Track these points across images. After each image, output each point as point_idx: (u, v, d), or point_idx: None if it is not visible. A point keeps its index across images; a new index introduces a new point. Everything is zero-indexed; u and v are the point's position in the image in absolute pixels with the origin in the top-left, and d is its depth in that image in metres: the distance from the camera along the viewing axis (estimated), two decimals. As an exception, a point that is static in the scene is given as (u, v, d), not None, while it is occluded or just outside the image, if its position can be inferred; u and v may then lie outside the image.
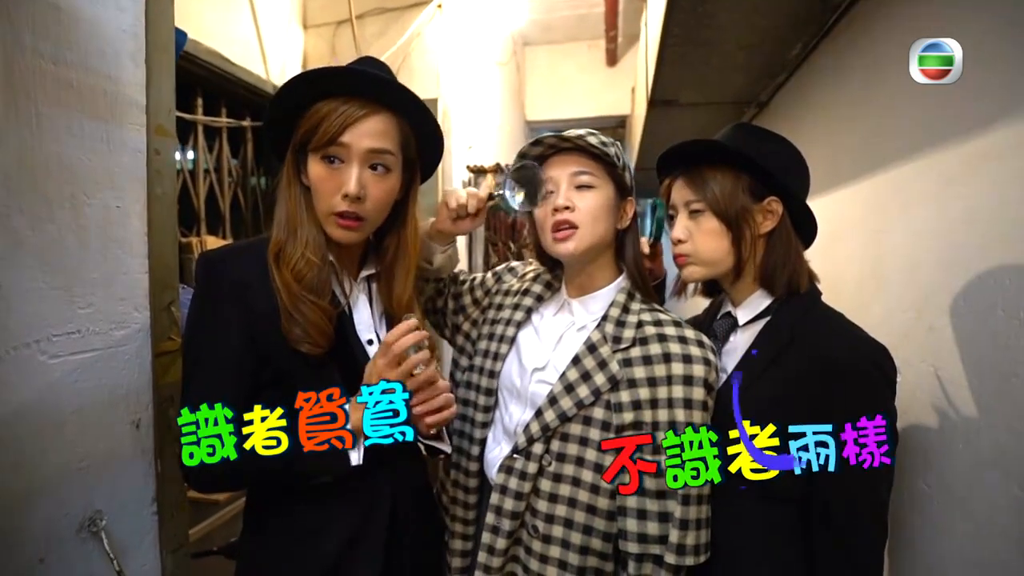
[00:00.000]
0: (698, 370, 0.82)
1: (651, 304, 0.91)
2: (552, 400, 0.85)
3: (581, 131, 0.90)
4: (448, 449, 0.91)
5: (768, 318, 0.89)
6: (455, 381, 1.03)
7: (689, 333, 0.86)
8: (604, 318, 0.88)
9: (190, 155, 2.21)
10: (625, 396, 0.82)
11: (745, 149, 0.88)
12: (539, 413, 0.86)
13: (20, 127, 0.68)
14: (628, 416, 0.81)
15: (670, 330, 0.86)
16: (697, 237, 0.90)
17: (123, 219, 0.83)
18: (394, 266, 0.87)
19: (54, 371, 0.73)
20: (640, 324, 0.86)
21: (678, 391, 0.81)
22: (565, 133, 0.88)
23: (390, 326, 0.88)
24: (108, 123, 0.80)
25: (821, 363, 0.81)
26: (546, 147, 0.90)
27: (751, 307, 0.91)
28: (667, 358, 0.82)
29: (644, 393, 0.81)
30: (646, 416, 0.81)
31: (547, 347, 0.92)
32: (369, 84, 0.79)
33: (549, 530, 0.84)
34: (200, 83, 2.17)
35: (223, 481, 0.79)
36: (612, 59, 4.39)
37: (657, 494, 0.80)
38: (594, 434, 0.83)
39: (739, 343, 0.92)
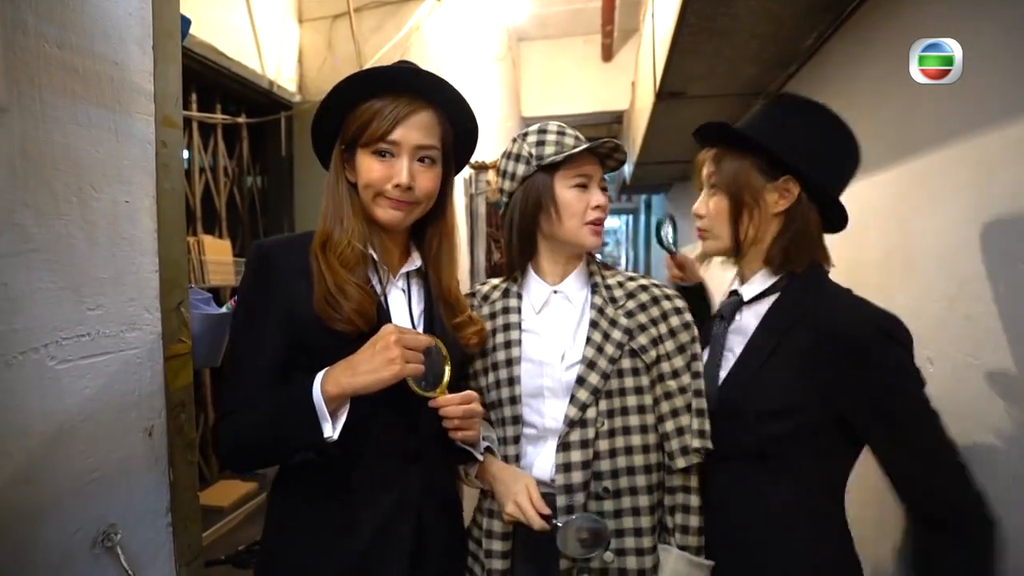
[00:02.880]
0: (678, 302, 0.99)
1: (610, 269, 1.05)
2: (590, 364, 0.92)
3: (618, 143, 0.99)
4: (480, 456, 0.93)
5: (775, 296, 0.89)
6: None
7: (654, 281, 1.03)
8: (595, 286, 1.00)
9: (184, 152, 2.15)
10: (643, 339, 0.95)
11: (762, 128, 0.88)
12: (582, 381, 0.92)
13: (24, 114, 0.63)
14: (652, 353, 0.95)
15: (643, 282, 1.02)
16: (712, 212, 0.93)
17: (132, 215, 0.78)
18: (440, 257, 0.94)
19: (63, 376, 0.68)
20: (620, 284, 1.01)
21: (675, 321, 0.96)
22: (607, 144, 0.97)
23: (428, 325, 0.91)
24: (115, 112, 0.75)
25: (827, 339, 0.81)
26: (597, 147, 0.96)
27: (755, 285, 0.92)
28: (655, 301, 0.98)
29: (654, 331, 0.96)
30: (662, 349, 0.95)
31: (556, 337, 0.97)
32: (418, 82, 0.85)
33: (617, 484, 0.90)
34: (194, 77, 2.10)
35: (244, 448, 0.83)
36: (608, 54, 4.37)
37: (687, 408, 0.93)
38: (628, 382, 0.93)
39: (745, 322, 0.93)
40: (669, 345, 0.95)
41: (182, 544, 0.92)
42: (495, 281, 1.08)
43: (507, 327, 0.99)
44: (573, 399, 0.91)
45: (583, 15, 4.07)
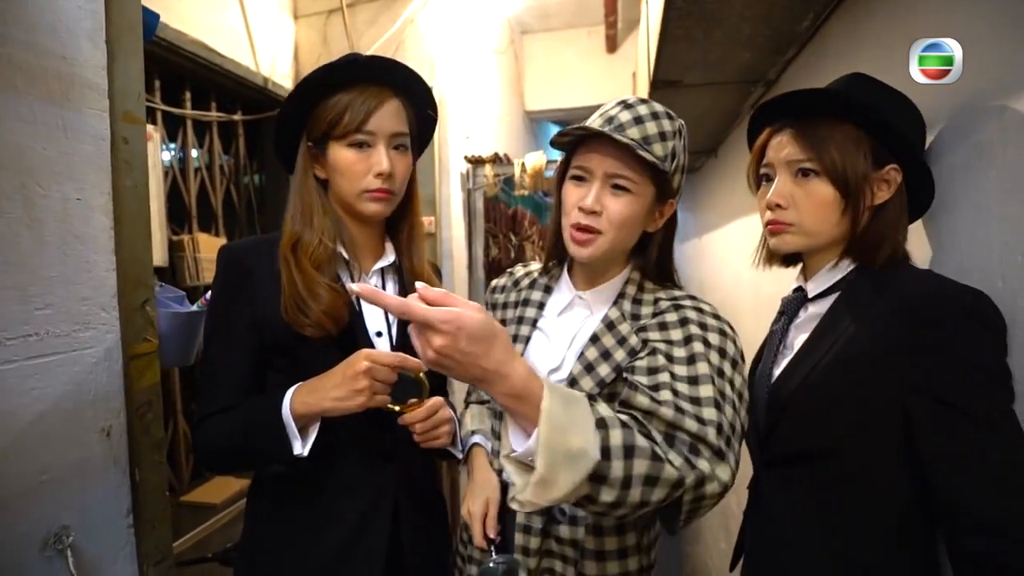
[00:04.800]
0: (713, 338, 0.74)
1: (664, 284, 0.85)
2: (571, 382, 0.80)
3: (641, 109, 0.77)
4: (459, 455, 0.91)
5: (840, 292, 0.79)
6: (469, 403, 1.04)
7: (705, 306, 0.81)
8: (620, 295, 0.83)
9: (180, 150, 2.15)
10: (642, 362, 0.73)
11: (873, 106, 0.76)
12: None
13: (-40, 111, 0.62)
14: (643, 379, 0.71)
15: (686, 302, 0.81)
16: (804, 203, 0.77)
17: (84, 212, 0.77)
18: (410, 245, 0.94)
19: (8, 377, 0.67)
20: (656, 301, 0.83)
21: (698, 347, 0.73)
22: (615, 121, 0.76)
23: (403, 323, 0.89)
24: (64, 108, 0.74)
25: (897, 315, 0.69)
26: (589, 132, 0.78)
27: (823, 279, 0.81)
28: (683, 322, 0.77)
29: (661, 357, 0.73)
30: (664, 378, 0.71)
31: (560, 346, 0.86)
32: (386, 71, 0.86)
33: (574, 512, 0.81)
34: (188, 76, 2.10)
35: (219, 455, 0.86)
36: (612, 45, 4.29)
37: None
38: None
39: (809, 318, 0.82)
40: (679, 371, 0.72)
41: (149, 545, 0.92)
42: (534, 266, 0.97)
43: (521, 320, 0.90)
44: None
45: (586, 6, 4.00)
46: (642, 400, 0.66)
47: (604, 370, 0.79)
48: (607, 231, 0.78)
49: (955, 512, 0.65)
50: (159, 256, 1.95)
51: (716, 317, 0.79)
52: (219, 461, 0.89)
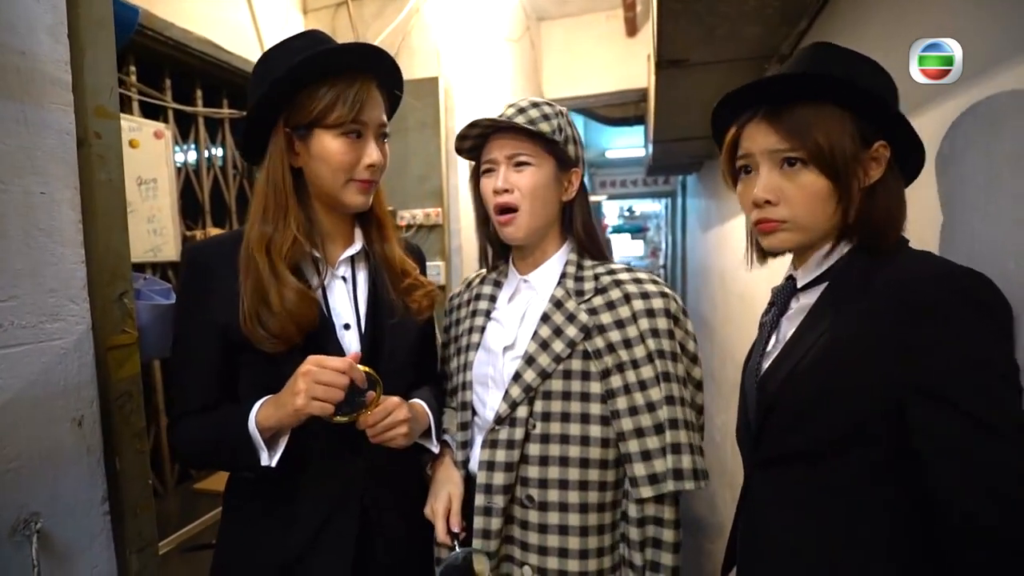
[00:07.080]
0: (657, 303, 0.86)
1: (600, 260, 0.94)
2: (529, 360, 0.85)
3: (523, 103, 0.92)
4: (435, 449, 0.91)
5: (829, 280, 0.73)
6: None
7: (642, 275, 0.91)
8: (563, 276, 0.91)
9: (192, 148, 2.21)
10: (600, 342, 0.84)
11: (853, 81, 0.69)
12: (517, 376, 0.85)
13: (-89, 107, 0.63)
14: (608, 360, 0.83)
15: (624, 276, 0.90)
16: (795, 196, 0.70)
17: (49, 206, 0.78)
18: (376, 227, 0.93)
19: (-30, 368, 0.69)
20: (596, 277, 0.91)
21: (644, 324, 0.85)
22: (503, 116, 0.90)
23: (374, 310, 0.89)
24: (24, 103, 0.75)
25: (889, 301, 0.63)
26: (484, 128, 0.91)
27: (813, 267, 0.75)
28: (627, 299, 0.87)
29: (615, 336, 0.85)
30: (624, 356, 0.84)
31: (512, 326, 0.91)
32: (371, 60, 0.84)
33: (544, 496, 0.83)
34: (198, 74, 2.15)
35: (195, 457, 0.93)
36: (632, 29, 4.16)
37: (656, 429, 0.81)
38: (576, 386, 0.84)
39: (801, 307, 0.77)
40: (638, 352, 0.83)
41: (132, 532, 0.94)
42: (484, 270, 1.05)
43: (475, 313, 0.97)
44: (506, 395, 0.85)
45: (604, -12, 3.89)
46: (646, 491, 0.80)
47: (559, 346, 0.84)
48: (523, 204, 0.87)
49: (951, 521, 0.59)
50: (172, 251, 2.01)
51: (654, 282, 0.90)
52: (197, 463, 0.95)
